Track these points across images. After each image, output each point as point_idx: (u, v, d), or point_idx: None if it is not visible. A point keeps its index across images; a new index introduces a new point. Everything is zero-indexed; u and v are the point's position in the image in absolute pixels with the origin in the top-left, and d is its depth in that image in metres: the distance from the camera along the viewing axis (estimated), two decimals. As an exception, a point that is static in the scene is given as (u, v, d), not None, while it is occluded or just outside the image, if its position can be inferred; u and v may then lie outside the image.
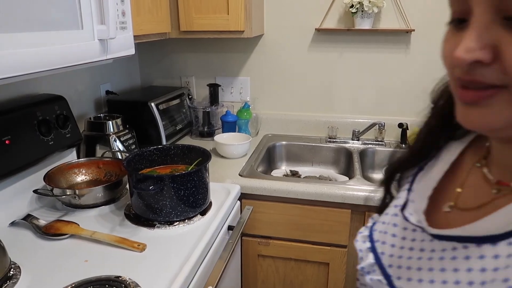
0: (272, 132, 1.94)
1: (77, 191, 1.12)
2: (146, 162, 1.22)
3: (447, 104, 0.53)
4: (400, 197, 0.58)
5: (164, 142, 1.65)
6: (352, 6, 1.63)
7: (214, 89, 1.88)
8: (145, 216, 1.08)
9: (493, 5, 0.35)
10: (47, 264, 0.92)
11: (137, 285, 0.83)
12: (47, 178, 1.17)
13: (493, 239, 0.41)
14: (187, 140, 1.88)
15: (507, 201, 0.44)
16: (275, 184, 1.38)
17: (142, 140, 1.63)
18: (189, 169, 1.12)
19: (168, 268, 0.90)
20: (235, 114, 1.81)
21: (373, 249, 0.55)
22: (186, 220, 1.09)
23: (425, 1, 1.66)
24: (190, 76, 2.02)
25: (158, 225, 1.06)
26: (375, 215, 0.61)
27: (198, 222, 1.10)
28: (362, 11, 1.64)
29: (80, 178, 1.30)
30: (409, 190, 0.57)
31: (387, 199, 0.63)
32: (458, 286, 0.42)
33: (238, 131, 1.80)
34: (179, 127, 1.81)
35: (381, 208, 0.62)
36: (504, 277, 0.39)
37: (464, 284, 0.42)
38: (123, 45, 1.15)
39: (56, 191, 1.12)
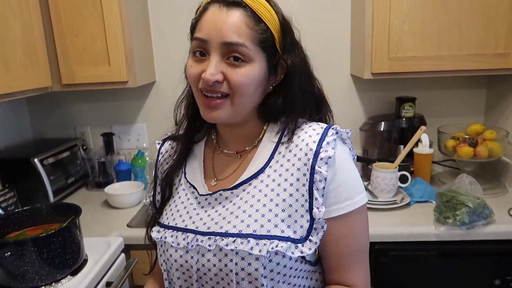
0: (173, 176, 1.95)
1: None
2: (14, 225, 1.16)
3: (192, 117, 0.84)
4: (180, 191, 0.84)
5: (51, 199, 1.59)
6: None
7: (108, 138, 1.86)
8: (6, 284, 1.02)
9: (221, 53, 0.70)
10: None
11: None
12: None
13: (261, 170, 0.76)
14: (82, 192, 1.82)
15: (251, 155, 0.79)
16: (162, 231, 1.37)
17: (27, 198, 1.56)
18: (51, 230, 1.08)
19: None
20: (130, 162, 1.80)
21: (180, 229, 0.78)
22: (53, 283, 1.04)
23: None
24: (85, 126, 1.98)
25: (22, 292, 1.01)
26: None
27: (68, 283, 1.06)
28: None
29: None
30: (187, 181, 0.84)
31: (168, 197, 0.86)
32: (261, 202, 0.72)
33: (135, 179, 1.79)
34: (71, 180, 1.76)
35: (162, 206, 0.86)
36: (285, 178, 0.73)
37: (266, 199, 0.72)
38: (-17, 106, 1.12)
39: None
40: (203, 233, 0.74)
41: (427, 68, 1.49)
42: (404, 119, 1.73)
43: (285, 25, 0.75)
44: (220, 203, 0.77)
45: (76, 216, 1.11)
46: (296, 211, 0.71)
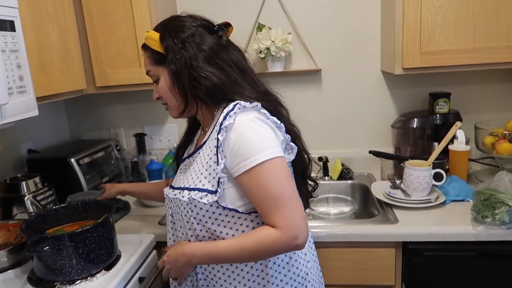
0: (203, 175, 1.97)
1: (-25, 259, 1.10)
2: (52, 222, 1.21)
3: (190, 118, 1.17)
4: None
5: (87, 197, 1.65)
6: (260, 51, 1.74)
7: (140, 138, 1.91)
8: (45, 277, 1.06)
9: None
10: None
11: None
12: None
13: (205, 142, 1.00)
14: (116, 191, 1.87)
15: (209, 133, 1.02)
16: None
17: (65, 196, 1.62)
18: (87, 226, 1.12)
19: (59, 331, 0.89)
20: (161, 162, 1.83)
21: None
22: (89, 277, 1.08)
23: (330, 44, 1.79)
24: (118, 127, 2.05)
25: (59, 285, 1.05)
26: None
27: (102, 278, 1.09)
28: (272, 56, 1.75)
29: (-12, 243, 1.27)
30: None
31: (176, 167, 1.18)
32: (196, 164, 1.00)
33: (166, 178, 1.82)
34: (105, 179, 1.81)
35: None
36: (209, 146, 0.97)
37: (199, 162, 0.99)
38: (23, 108, 1.17)
39: (-46, 261, 1.09)
40: (173, 187, 1.07)
41: (462, 61, 1.43)
42: (438, 115, 1.67)
43: (167, 40, 0.98)
44: (184, 164, 1.09)
45: (109, 214, 1.14)
46: (214, 170, 0.93)
